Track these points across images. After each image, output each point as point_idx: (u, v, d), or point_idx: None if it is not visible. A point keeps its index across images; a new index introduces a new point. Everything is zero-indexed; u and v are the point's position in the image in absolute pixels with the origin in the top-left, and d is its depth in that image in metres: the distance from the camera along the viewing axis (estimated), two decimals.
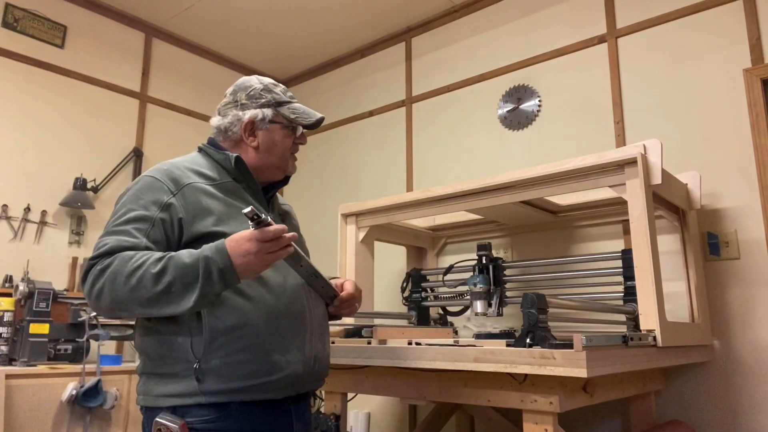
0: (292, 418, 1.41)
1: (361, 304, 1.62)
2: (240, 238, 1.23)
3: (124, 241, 1.28)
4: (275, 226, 1.22)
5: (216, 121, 1.51)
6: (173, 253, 1.26)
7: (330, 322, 1.58)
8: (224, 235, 1.30)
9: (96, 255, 1.27)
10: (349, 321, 2.19)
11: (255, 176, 1.49)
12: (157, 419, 1.28)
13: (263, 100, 1.49)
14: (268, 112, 1.48)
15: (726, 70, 2.41)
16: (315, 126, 1.53)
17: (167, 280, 1.22)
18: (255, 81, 1.52)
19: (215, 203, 1.38)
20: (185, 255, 1.25)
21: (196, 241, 1.33)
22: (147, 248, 1.28)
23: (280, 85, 1.56)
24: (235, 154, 1.45)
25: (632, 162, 1.78)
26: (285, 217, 1.63)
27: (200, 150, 1.52)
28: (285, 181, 1.58)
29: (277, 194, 1.65)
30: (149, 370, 1.34)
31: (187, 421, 1.26)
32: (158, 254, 1.26)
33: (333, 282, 1.54)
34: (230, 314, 1.30)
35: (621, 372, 1.58)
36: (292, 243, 1.27)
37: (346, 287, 1.54)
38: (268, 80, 1.54)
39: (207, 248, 1.24)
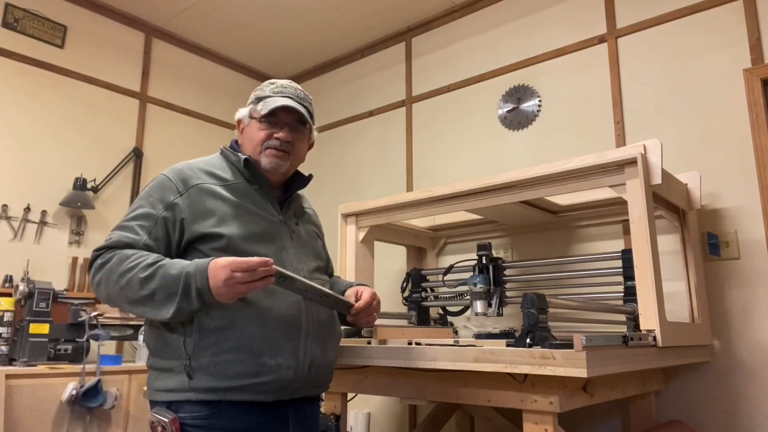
0: (289, 423, 1.40)
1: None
2: (218, 263, 1.24)
3: (126, 236, 1.33)
4: (249, 259, 1.21)
5: None
6: (165, 261, 1.28)
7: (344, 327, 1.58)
8: (221, 236, 1.34)
9: (100, 247, 1.35)
10: None
11: (267, 177, 1.49)
12: (151, 412, 1.31)
13: (251, 99, 1.53)
14: (249, 108, 1.52)
15: (726, 70, 2.41)
16: (270, 115, 1.46)
17: (152, 287, 1.25)
18: (264, 83, 1.55)
19: (220, 204, 1.40)
20: (175, 266, 1.27)
21: (196, 240, 1.36)
22: (146, 245, 1.33)
23: (281, 81, 1.54)
24: (245, 156, 1.46)
25: (632, 162, 1.78)
26: (300, 220, 1.59)
27: (221, 152, 1.54)
28: (300, 181, 1.58)
29: (303, 196, 1.66)
30: (151, 364, 1.38)
31: (178, 416, 1.27)
32: (152, 258, 1.28)
33: (352, 289, 1.53)
34: (221, 314, 1.31)
35: (621, 372, 1.57)
36: (291, 273, 1.27)
37: (363, 296, 1.49)
38: (272, 80, 1.55)
39: (193, 264, 1.26)
